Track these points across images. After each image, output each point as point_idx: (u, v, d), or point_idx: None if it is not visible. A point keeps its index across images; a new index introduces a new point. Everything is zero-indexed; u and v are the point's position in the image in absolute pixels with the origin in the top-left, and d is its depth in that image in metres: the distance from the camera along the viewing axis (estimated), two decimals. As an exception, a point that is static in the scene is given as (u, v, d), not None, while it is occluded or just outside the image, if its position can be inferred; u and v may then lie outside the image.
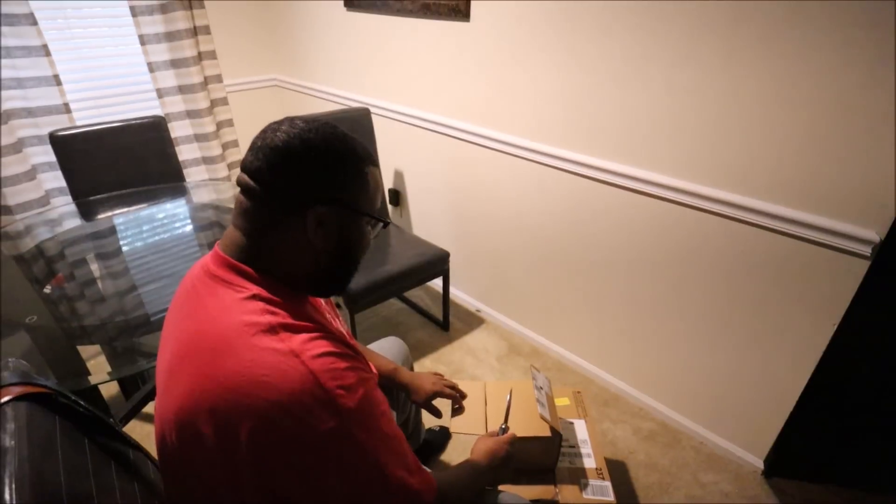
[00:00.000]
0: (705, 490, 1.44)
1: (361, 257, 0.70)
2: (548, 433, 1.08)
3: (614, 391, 1.79)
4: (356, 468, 0.57)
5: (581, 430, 1.29)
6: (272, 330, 0.56)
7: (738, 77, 1.16)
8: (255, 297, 0.59)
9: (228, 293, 0.59)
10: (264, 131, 0.62)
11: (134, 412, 1.46)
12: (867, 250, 1.09)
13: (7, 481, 0.46)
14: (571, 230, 1.69)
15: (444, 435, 1.58)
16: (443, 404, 1.16)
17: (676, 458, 1.54)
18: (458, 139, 1.90)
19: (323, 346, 0.57)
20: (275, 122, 0.63)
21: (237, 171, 2.49)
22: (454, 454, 1.55)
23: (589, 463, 1.19)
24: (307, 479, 0.55)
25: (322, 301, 0.82)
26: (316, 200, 0.60)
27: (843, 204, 1.10)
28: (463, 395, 1.19)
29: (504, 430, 1.03)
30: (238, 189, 0.63)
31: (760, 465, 1.48)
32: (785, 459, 1.45)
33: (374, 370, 0.67)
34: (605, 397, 1.77)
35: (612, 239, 1.58)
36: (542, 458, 1.15)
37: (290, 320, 0.58)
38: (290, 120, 0.62)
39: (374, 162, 0.67)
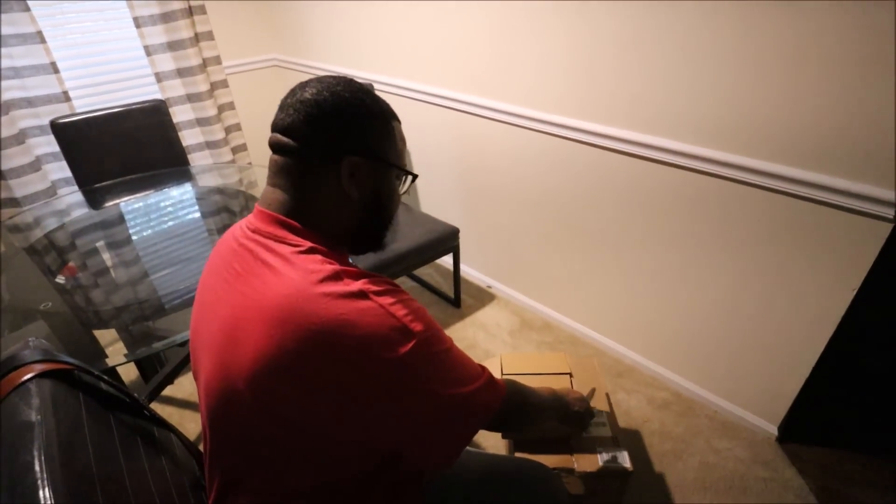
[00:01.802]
0: (719, 456, 1.45)
1: (394, 211, 0.72)
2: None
3: (628, 362, 1.80)
4: (438, 381, 0.60)
5: (595, 399, 1.29)
6: (337, 276, 0.58)
7: (753, 34, 1.12)
8: (312, 248, 0.61)
9: (284, 248, 0.61)
10: (293, 90, 0.64)
11: (153, 395, 1.47)
12: (890, 212, 1.07)
13: (36, 454, 0.46)
14: (581, 201, 1.67)
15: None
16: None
17: (690, 425, 1.55)
18: (464, 112, 1.87)
19: (381, 285, 0.60)
20: (302, 81, 0.65)
21: (242, 155, 2.45)
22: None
23: (604, 432, 1.20)
24: (399, 401, 0.58)
25: None
26: (349, 151, 0.63)
27: (864, 164, 1.07)
28: None
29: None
30: (271, 152, 0.66)
31: (774, 431, 1.49)
32: (799, 425, 1.45)
33: None
34: (618, 368, 1.78)
35: (623, 208, 1.56)
36: (557, 428, 1.15)
37: (346, 267, 0.61)
38: (318, 77, 0.65)
39: (398, 118, 0.69)
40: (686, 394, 1.66)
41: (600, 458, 1.12)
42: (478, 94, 1.79)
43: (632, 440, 1.50)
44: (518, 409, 0.79)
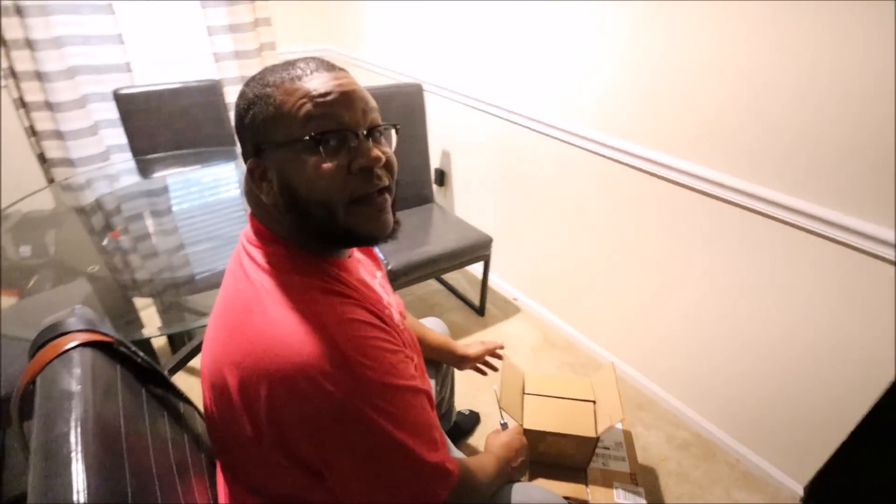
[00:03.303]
0: (738, 507, 1.39)
1: (320, 195, 0.55)
2: (591, 434, 1.06)
3: (649, 395, 1.74)
4: (373, 441, 0.55)
5: (616, 432, 1.26)
6: (301, 290, 0.55)
7: (830, 73, 1.07)
8: (284, 257, 0.59)
9: (259, 253, 0.60)
10: None
11: (180, 365, 1.50)
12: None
13: (73, 425, 0.47)
14: (622, 226, 1.63)
15: (473, 419, 1.57)
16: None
17: (710, 471, 1.49)
18: (512, 122, 1.85)
19: (351, 311, 0.56)
20: None
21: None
22: (483, 439, 1.54)
23: (622, 467, 1.16)
24: (321, 444, 0.54)
25: (375, 272, 0.80)
26: (248, 155, 0.59)
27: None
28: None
29: (504, 426, 0.99)
30: None
31: (800, 491, 1.41)
32: (828, 490, 1.37)
33: (403, 343, 0.64)
34: (639, 400, 1.73)
35: (665, 239, 1.51)
36: (575, 456, 1.12)
37: (319, 282, 0.57)
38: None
39: (292, 76, 0.55)
40: (707, 436, 1.60)
41: (616, 494, 1.09)
42: (529, 105, 1.77)
43: (647, 477, 1.45)
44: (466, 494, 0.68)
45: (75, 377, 0.51)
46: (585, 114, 1.60)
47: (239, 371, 0.54)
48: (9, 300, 1.28)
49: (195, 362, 1.70)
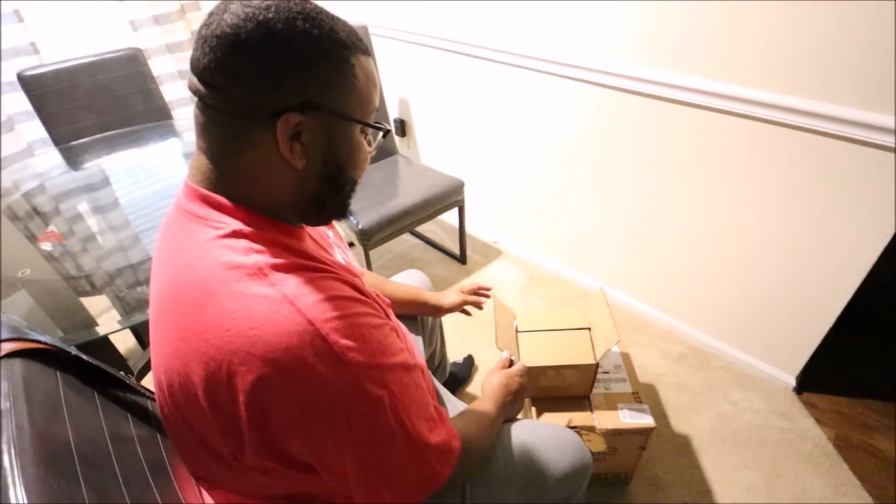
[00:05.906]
0: (736, 408, 1.42)
1: (359, 175, 0.56)
2: (590, 361, 1.04)
3: (641, 316, 1.75)
4: (368, 430, 0.49)
5: (614, 355, 1.24)
6: (260, 272, 0.47)
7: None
8: (235, 233, 0.49)
9: (203, 231, 0.49)
10: (210, 14, 0.47)
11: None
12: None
13: (6, 448, 0.39)
14: (592, 148, 1.57)
15: (468, 366, 1.55)
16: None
17: (706, 378, 1.52)
18: (470, 56, 1.74)
19: (324, 288, 0.48)
20: (223, 1, 0.47)
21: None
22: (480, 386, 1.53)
23: (624, 388, 1.16)
24: (311, 439, 0.48)
25: (326, 231, 0.73)
26: (286, 107, 0.46)
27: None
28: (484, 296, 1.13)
29: (512, 361, 0.98)
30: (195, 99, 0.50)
31: (792, 381, 1.45)
32: (817, 375, 1.42)
33: (390, 314, 0.60)
34: (631, 323, 1.73)
35: (637, 155, 1.46)
36: (577, 385, 1.11)
37: (281, 259, 0.49)
38: None
39: (363, 49, 0.51)
40: (701, 346, 1.62)
41: (621, 415, 1.09)
42: (485, 36, 1.65)
43: (649, 394, 1.47)
44: (475, 453, 0.70)
45: (3, 394, 0.43)
46: (543, 34, 1.49)
47: (205, 378, 0.46)
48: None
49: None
